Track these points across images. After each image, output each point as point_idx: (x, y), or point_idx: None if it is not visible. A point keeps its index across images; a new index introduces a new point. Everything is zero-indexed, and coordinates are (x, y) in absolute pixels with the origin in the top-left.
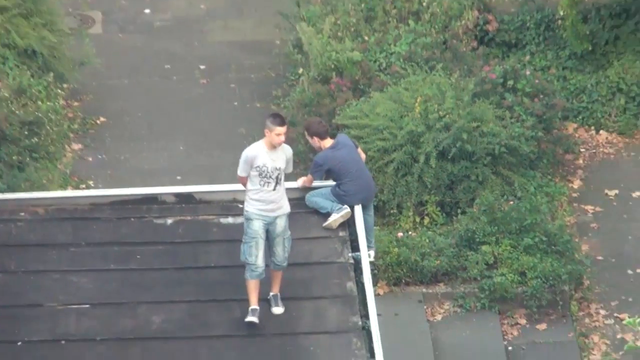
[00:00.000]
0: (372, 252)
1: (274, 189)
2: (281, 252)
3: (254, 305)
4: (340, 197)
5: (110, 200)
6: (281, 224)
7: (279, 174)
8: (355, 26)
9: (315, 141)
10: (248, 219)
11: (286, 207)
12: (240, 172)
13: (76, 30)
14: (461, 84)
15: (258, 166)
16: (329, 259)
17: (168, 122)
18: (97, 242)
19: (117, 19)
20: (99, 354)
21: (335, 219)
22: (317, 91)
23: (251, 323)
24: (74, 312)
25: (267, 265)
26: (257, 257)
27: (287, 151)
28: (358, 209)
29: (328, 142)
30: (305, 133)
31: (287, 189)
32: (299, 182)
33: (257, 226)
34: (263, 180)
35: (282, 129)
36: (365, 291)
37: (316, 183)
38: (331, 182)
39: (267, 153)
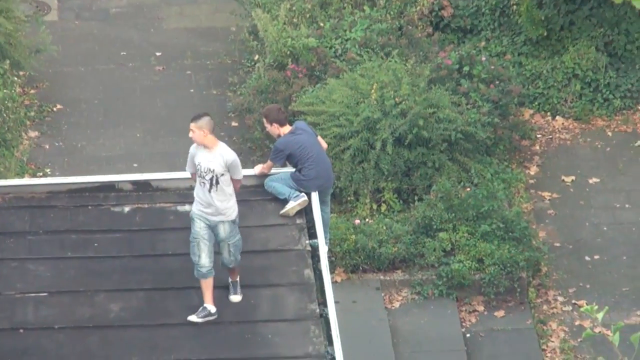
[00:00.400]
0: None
1: (209, 191)
2: (227, 256)
3: (206, 303)
4: (300, 181)
5: (68, 188)
6: (224, 230)
7: (212, 176)
8: (311, 12)
9: (274, 128)
10: (191, 218)
11: (229, 214)
12: (187, 167)
13: (32, 17)
14: (417, 70)
15: (196, 164)
16: (286, 246)
17: (124, 109)
18: (55, 230)
19: (72, 6)
20: (57, 342)
21: (292, 206)
22: (273, 78)
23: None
24: (31, 300)
25: None
26: (199, 257)
27: (225, 156)
28: (315, 195)
29: (287, 129)
30: (264, 120)
31: (245, 176)
32: (256, 170)
33: (199, 227)
34: (200, 179)
35: (191, 124)
36: (322, 278)
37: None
38: (290, 169)
39: (204, 152)
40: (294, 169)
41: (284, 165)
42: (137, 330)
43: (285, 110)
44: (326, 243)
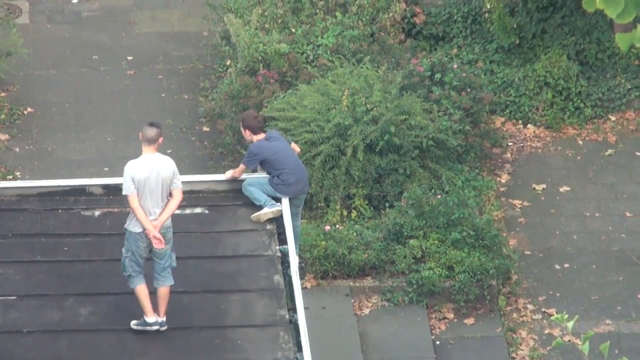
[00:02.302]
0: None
1: None
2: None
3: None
4: (278, 187)
5: (38, 191)
6: None
7: None
8: (283, 18)
9: (247, 134)
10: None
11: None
12: None
13: (3, 19)
14: (389, 76)
15: None
16: (256, 252)
17: (95, 113)
18: (24, 233)
19: (44, 9)
20: (25, 346)
21: (265, 212)
22: (245, 83)
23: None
24: (0, 304)
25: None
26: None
27: None
28: (286, 201)
29: (260, 137)
30: (241, 124)
31: (217, 181)
32: (228, 174)
33: None
34: None
35: None
36: (292, 284)
37: (246, 174)
38: (264, 175)
39: None
40: (269, 175)
41: (255, 171)
42: (107, 334)
43: (262, 119)
44: (297, 253)
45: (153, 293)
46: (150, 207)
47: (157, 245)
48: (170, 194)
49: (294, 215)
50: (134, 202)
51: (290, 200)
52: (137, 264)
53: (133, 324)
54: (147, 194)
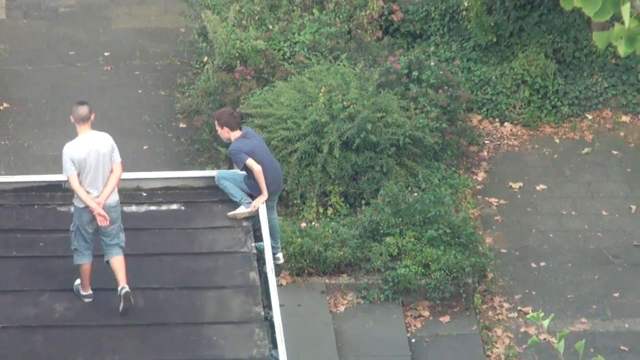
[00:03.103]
0: (280, 255)
1: None
2: None
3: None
4: (255, 187)
5: (13, 187)
6: None
7: None
8: (260, 15)
9: (224, 132)
10: None
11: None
12: None
13: None
14: (366, 74)
15: None
16: (232, 248)
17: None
18: (0, 229)
19: (21, 4)
20: (0, 341)
21: (242, 212)
22: (222, 80)
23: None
24: None
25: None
26: None
27: None
28: (262, 199)
29: (237, 134)
30: (216, 122)
31: (193, 178)
32: (256, 203)
33: None
34: None
35: None
36: (268, 281)
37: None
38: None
39: None
40: (244, 173)
41: (231, 167)
42: (82, 330)
43: (238, 115)
44: (277, 246)
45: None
46: (92, 185)
47: (102, 222)
48: (111, 170)
49: (269, 209)
50: (74, 183)
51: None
52: (84, 239)
53: (75, 284)
54: (88, 173)
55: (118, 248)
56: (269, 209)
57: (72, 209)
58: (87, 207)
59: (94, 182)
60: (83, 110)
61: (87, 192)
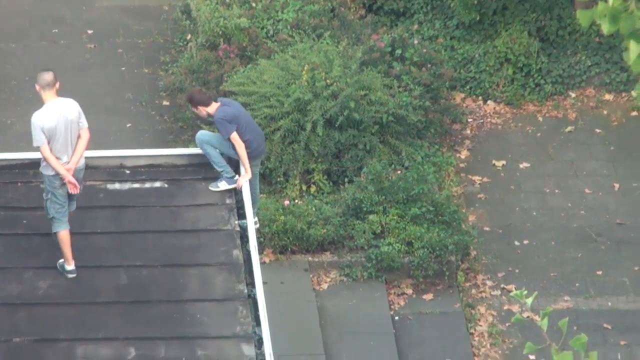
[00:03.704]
0: (256, 219)
1: None
2: None
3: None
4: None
5: None
6: None
7: None
8: None
9: (200, 110)
10: None
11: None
12: None
13: None
14: (349, 52)
15: None
16: (215, 226)
17: None
18: None
19: None
20: None
21: (225, 188)
22: (205, 57)
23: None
24: None
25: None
26: None
27: None
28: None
29: (215, 105)
30: (190, 106)
31: (175, 155)
32: (242, 173)
33: None
34: None
35: None
36: (251, 259)
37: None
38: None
39: None
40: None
41: (213, 130)
42: (65, 307)
43: (205, 90)
44: (254, 214)
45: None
46: (62, 152)
47: (72, 190)
48: (79, 135)
49: (253, 176)
50: (46, 151)
51: (249, 161)
52: (59, 204)
53: (58, 263)
54: (58, 140)
55: (66, 220)
56: (252, 175)
57: (43, 177)
58: (57, 174)
59: (64, 148)
60: (48, 76)
61: (57, 159)
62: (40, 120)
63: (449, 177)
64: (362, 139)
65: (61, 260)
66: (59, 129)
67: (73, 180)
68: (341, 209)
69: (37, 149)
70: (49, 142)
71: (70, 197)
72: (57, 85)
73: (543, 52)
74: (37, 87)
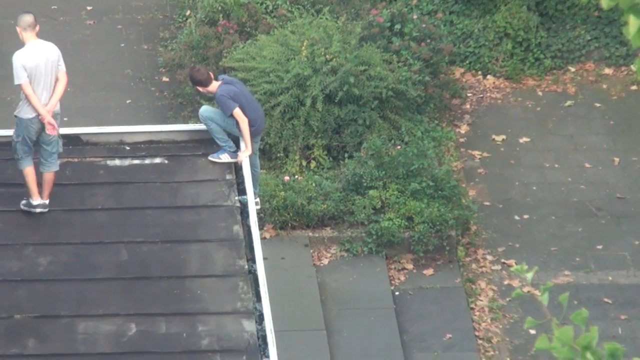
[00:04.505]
0: (258, 199)
1: None
2: None
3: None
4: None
5: None
6: None
7: None
8: None
9: (202, 89)
10: None
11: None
12: None
13: None
14: (348, 27)
15: None
16: (216, 202)
17: None
18: None
19: None
20: None
21: (226, 160)
22: (204, 33)
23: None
24: None
25: None
26: None
27: None
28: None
29: (215, 85)
30: (193, 86)
31: (176, 131)
32: (242, 149)
33: None
34: None
35: None
36: (251, 235)
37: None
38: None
39: None
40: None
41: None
42: (66, 284)
43: (202, 67)
44: (256, 192)
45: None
46: (41, 93)
47: (51, 131)
48: (57, 78)
49: (253, 151)
50: (28, 89)
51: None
52: (28, 147)
53: (22, 204)
54: (39, 81)
55: (55, 162)
56: (253, 152)
57: (17, 121)
58: (36, 117)
59: (44, 89)
60: (29, 17)
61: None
62: (22, 58)
63: (448, 152)
64: (361, 114)
65: (24, 201)
66: (40, 69)
67: (52, 120)
68: (341, 185)
69: (19, 87)
70: (30, 82)
71: (47, 142)
72: (37, 28)
73: (542, 27)
74: (18, 30)
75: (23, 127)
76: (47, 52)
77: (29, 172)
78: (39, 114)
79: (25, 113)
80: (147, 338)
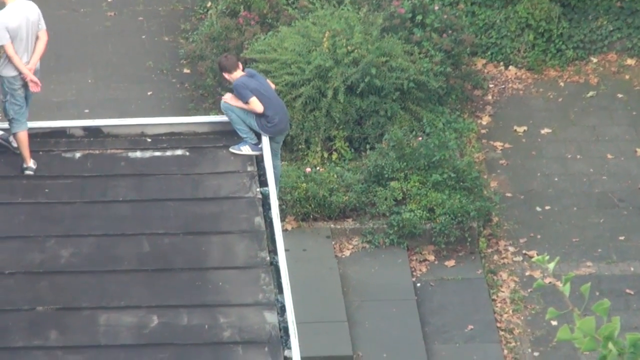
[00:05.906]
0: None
1: None
2: None
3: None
4: (264, 127)
5: None
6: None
7: None
8: None
9: (226, 76)
10: None
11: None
12: None
13: None
14: (370, 18)
15: None
16: (237, 193)
17: (76, 55)
18: (5, 175)
19: None
20: (7, 287)
21: (247, 152)
22: (226, 25)
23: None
24: None
25: None
26: None
27: None
28: (266, 140)
29: (239, 74)
30: (219, 72)
31: (197, 123)
32: (227, 97)
33: None
34: None
35: None
36: (273, 226)
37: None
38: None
39: None
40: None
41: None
42: (87, 276)
43: (233, 55)
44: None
45: None
46: (23, 52)
47: (34, 88)
48: (37, 37)
49: (274, 153)
50: (10, 50)
51: (270, 138)
52: (18, 105)
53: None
54: (21, 41)
55: (25, 120)
56: (273, 152)
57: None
58: (18, 75)
59: (25, 48)
60: None
61: None
62: (5, 19)
63: (470, 143)
64: (383, 106)
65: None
66: (22, 29)
67: (35, 78)
68: (363, 176)
69: (1, 48)
70: (12, 42)
71: (31, 98)
72: None
73: (564, 17)
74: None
75: (7, 85)
76: (28, 12)
77: (22, 137)
78: (21, 73)
79: (9, 71)
80: (169, 330)
